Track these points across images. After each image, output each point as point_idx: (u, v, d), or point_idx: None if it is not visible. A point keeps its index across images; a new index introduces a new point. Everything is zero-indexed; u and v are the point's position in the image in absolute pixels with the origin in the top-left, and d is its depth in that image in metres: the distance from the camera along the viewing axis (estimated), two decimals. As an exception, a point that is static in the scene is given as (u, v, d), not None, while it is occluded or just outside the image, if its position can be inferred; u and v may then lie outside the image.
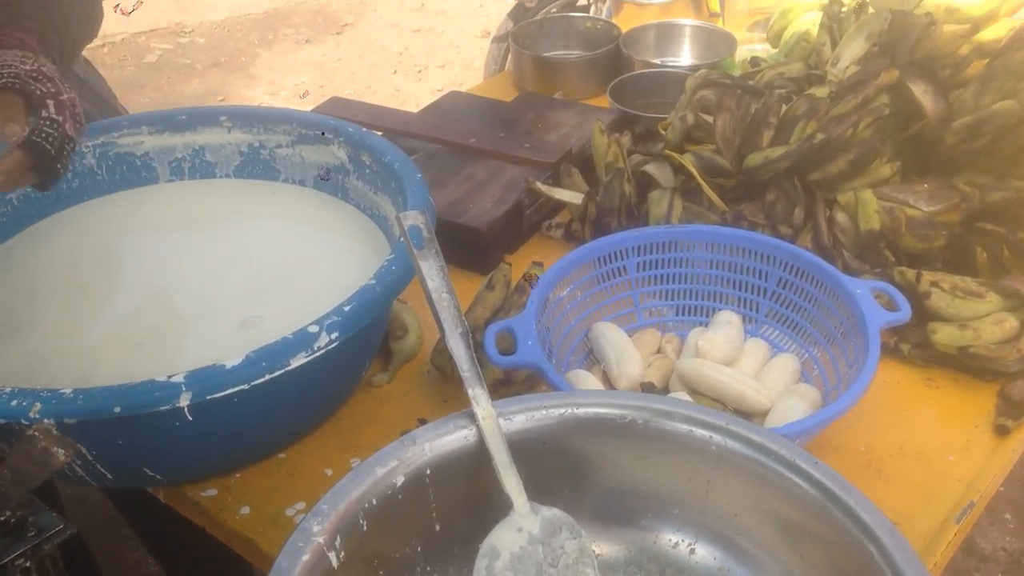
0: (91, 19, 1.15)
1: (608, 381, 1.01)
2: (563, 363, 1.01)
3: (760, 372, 1.00)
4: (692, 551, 0.78)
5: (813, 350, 1.02)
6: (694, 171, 1.16)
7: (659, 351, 1.06)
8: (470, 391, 0.75)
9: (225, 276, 1.11)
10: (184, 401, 0.78)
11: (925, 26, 1.14)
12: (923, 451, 0.97)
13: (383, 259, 1.03)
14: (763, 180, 1.13)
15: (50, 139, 0.94)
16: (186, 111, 1.24)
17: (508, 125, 1.42)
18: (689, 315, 1.10)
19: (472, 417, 0.74)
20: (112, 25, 5.05)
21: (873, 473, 0.95)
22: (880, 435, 0.99)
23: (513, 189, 1.27)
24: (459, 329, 0.78)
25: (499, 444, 0.73)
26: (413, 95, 4.25)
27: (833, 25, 1.29)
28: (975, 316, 1.03)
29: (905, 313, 0.95)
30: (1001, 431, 0.99)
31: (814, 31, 1.37)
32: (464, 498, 0.75)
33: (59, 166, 0.95)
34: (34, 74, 0.95)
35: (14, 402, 0.77)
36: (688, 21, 1.73)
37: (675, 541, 0.79)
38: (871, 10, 1.25)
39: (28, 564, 0.65)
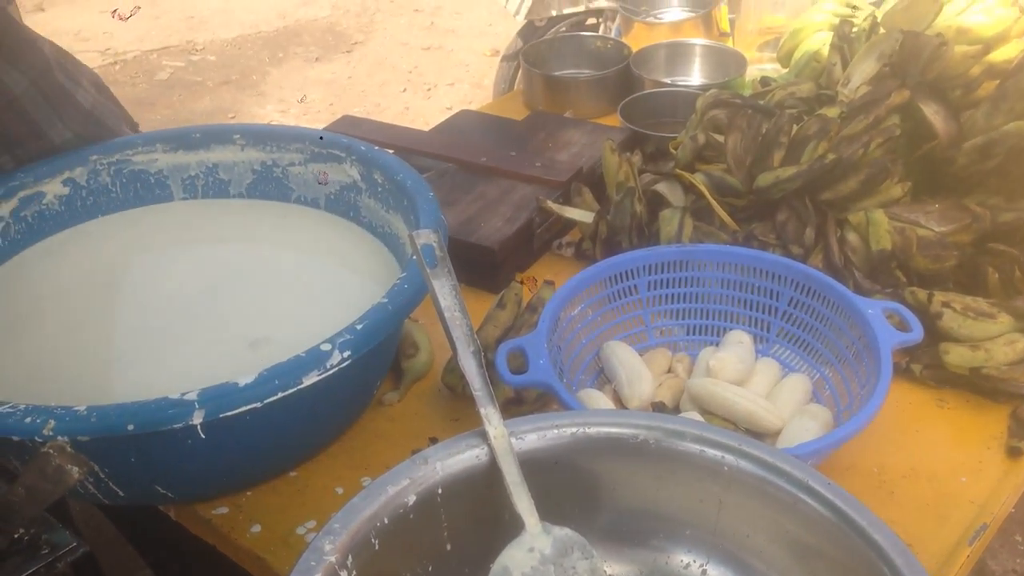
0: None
1: (619, 400, 1.01)
2: (574, 382, 1.01)
3: (771, 392, 1.00)
4: (704, 572, 0.78)
5: (824, 370, 1.02)
6: (705, 190, 1.16)
7: (670, 370, 1.06)
8: (482, 410, 0.75)
9: (236, 294, 1.11)
10: (197, 419, 0.79)
11: (936, 47, 1.15)
12: (935, 472, 0.97)
13: (394, 278, 1.04)
14: (774, 200, 1.14)
15: None
16: (200, 129, 1.25)
17: (519, 144, 1.43)
18: (700, 334, 1.10)
19: (484, 436, 0.74)
20: (124, 43, 5.09)
21: (885, 494, 0.94)
22: (892, 456, 0.98)
23: (524, 208, 1.27)
24: (471, 348, 0.78)
25: (511, 463, 0.73)
26: (422, 113, 4.27)
27: (844, 45, 1.29)
28: (987, 337, 1.03)
29: (917, 333, 0.95)
30: (1013, 453, 0.98)
31: (824, 51, 1.38)
32: (475, 517, 0.75)
33: None
34: None
35: (28, 419, 0.78)
36: (698, 41, 1.74)
37: (687, 562, 0.78)
38: (882, 31, 1.26)
39: (42, 582, 0.65)
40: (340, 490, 0.96)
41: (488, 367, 0.78)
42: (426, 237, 0.82)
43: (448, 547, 0.75)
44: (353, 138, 1.21)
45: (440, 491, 0.73)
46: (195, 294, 1.11)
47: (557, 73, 1.76)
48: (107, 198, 1.22)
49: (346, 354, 0.85)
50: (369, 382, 1.02)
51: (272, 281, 1.13)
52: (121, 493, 0.89)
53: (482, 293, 1.21)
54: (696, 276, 1.09)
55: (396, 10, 5.51)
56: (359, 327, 0.87)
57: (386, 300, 0.91)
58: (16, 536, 0.66)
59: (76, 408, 0.78)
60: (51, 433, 0.77)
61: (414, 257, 0.94)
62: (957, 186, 1.17)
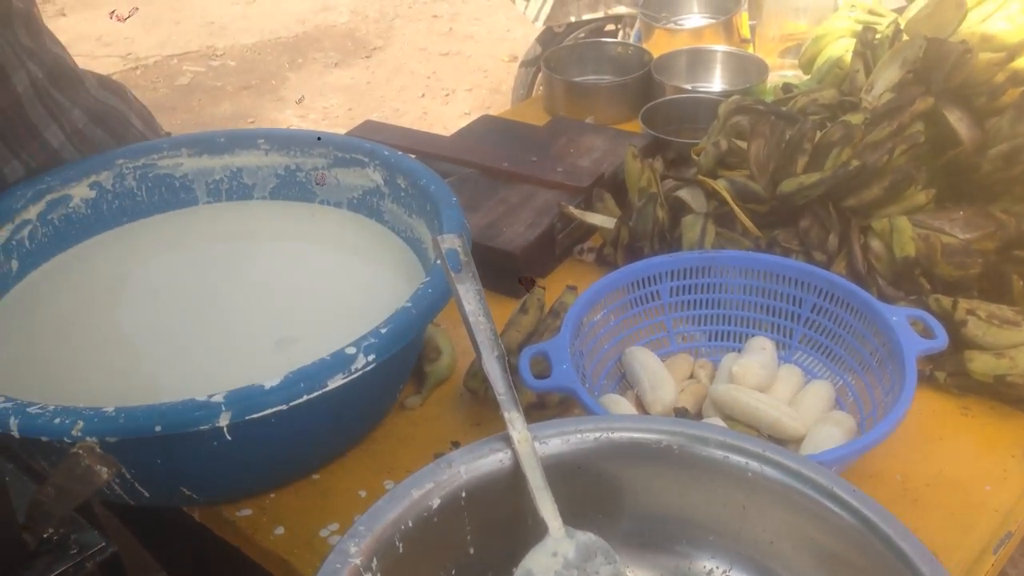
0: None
1: (641, 406, 1.01)
2: (596, 387, 1.01)
3: (794, 399, 1.00)
4: (727, 578, 0.78)
5: (848, 377, 1.02)
6: (728, 197, 1.16)
7: (692, 376, 1.06)
8: (506, 414, 0.75)
9: (260, 298, 1.12)
10: (224, 421, 0.79)
11: (961, 54, 1.14)
12: (959, 480, 0.97)
13: (417, 282, 1.04)
14: (797, 206, 1.13)
15: None
16: (224, 133, 1.26)
17: (540, 149, 1.43)
18: (722, 340, 1.10)
19: (507, 440, 0.75)
20: (145, 48, 5.13)
21: (909, 502, 0.94)
22: (916, 464, 0.98)
23: (546, 213, 1.27)
24: (495, 352, 0.78)
25: (534, 468, 0.73)
26: (441, 118, 4.29)
27: (867, 52, 1.29)
28: (1012, 344, 1.02)
29: (942, 341, 0.94)
30: (1039, 461, 0.98)
31: (847, 58, 1.37)
32: (499, 521, 0.75)
33: None
34: None
35: (57, 420, 0.78)
36: (719, 47, 1.74)
37: (710, 568, 0.78)
38: (905, 37, 1.26)
39: (71, 581, 0.66)
40: (363, 493, 0.96)
41: (511, 371, 0.79)
42: (450, 242, 0.82)
43: (471, 551, 0.76)
44: (376, 143, 1.22)
45: (464, 495, 0.73)
46: (220, 296, 1.12)
47: (578, 79, 1.76)
48: (132, 202, 1.23)
49: (371, 357, 0.85)
50: (392, 385, 1.02)
51: (298, 282, 1.14)
52: (146, 494, 0.89)
53: (503, 298, 1.21)
54: (718, 282, 1.09)
55: (415, 16, 5.53)
56: (384, 331, 0.87)
57: (410, 304, 0.91)
58: (46, 536, 0.67)
59: (104, 409, 0.79)
60: (80, 434, 0.78)
61: (438, 261, 0.94)
62: (982, 193, 1.16)
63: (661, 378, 1.01)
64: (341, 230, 1.22)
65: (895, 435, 0.87)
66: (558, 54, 1.81)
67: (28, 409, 0.80)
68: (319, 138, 1.23)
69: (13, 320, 1.08)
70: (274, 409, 0.81)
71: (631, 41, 2.30)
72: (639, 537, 0.79)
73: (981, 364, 1.02)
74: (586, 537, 0.73)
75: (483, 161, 1.39)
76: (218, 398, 0.80)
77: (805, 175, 1.12)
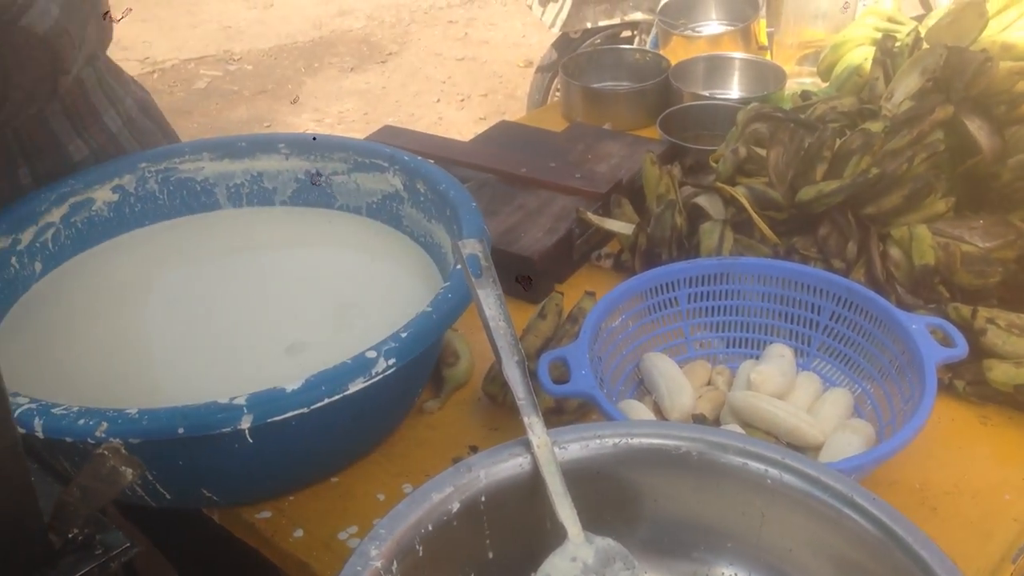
0: (46, 67, 1.03)
1: (659, 412, 1.01)
2: (614, 393, 1.02)
3: (813, 406, 1.00)
4: (745, 585, 0.78)
5: (866, 385, 1.02)
6: (746, 204, 1.16)
7: (710, 383, 1.06)
8: (526, 419, 0.75)
9: (277, 303, 1.13)
10: (246, 423, 0.80)
11: (981, 62, 1.14)
12: (978, 489, 0.96)
13: (435, 287, 1.05)
14: (816, 214, 1.13)
15: None
16: (245, 138, 1.27)
17: (558, 155, 1.44)
18: (740, 347, 1.10)
19: (527, 445, 0.75)
20: (162, 52, 5.17)
21: (928, 511, 0.94)
22: (935, 472, 0.98)
23: (564, 219, 1.28)
24: (515, 357, 0.78)
25: (554, 473, 0.74)
26: (455, 123, 4.30)
27: (887, 60, 1.29)
28: (1032, 354, 1.02)
29: (962, 349, 0.94)
30: (1058, 471, 0.97)
31: (866, 66, 1.37)
32: (518, 526, 0.76)
33: None
34: None
35: (81, 421, 0.79)
36: (737, 55, 1.74)
37: (728, 575, 0.78)
38: (926, 46, 1.26)
39: (95, 581, 0.66)
40: (381, 496, 0.97)
41: (530, 377, 0.79)
42: (471, 247, 0.83)
43: (490, 555, 0.76)
44: (395, 147, 1.22)
45: (484, 499, 0.74)
46: (238, 300, 1.13)
47: (596, 85, 1.77)
48: (154, 205, 1.24)
49: (391, 361, 0.86)
50: (411, 390, 1.03)
51: (315, 287, 1.14)
52: (168, 496, 0.90)
53: (521, 303, 1.21)
54: (736, 289, 1.09)
55: (430, 21, 5.56)
56: (404, 335, 0.88)
57: (430, 309, 0.91)
58: (71, 536, 0.67)
59: (128, 411, 0.80)
60: (103, 435, 0.78)
61: (458, 266, 0.95)
62: (1001, 202, 1.16)
63: (679, 384, 1.01)
64: (360, 235, 1.23)
65: (914, 443, 0.87)
66: (576, 60, 1.82)
67: (52, 410, 0.80)
68: (314, 138, 1.24)
69: (32, 319, 1.09)
70: (295, 412, 0.81)
71: (647, 47, 2.31)
72: (657, 543, 0.79)
73: (1000, 373, 1.02)
74: (605, 543, 0.73)
75: (501, 167, 1.39)
76: (240, 400, 0.80)
77: (824, 183, 1.12)
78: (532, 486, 0.74)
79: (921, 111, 1.15)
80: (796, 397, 1.00)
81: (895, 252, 1.11)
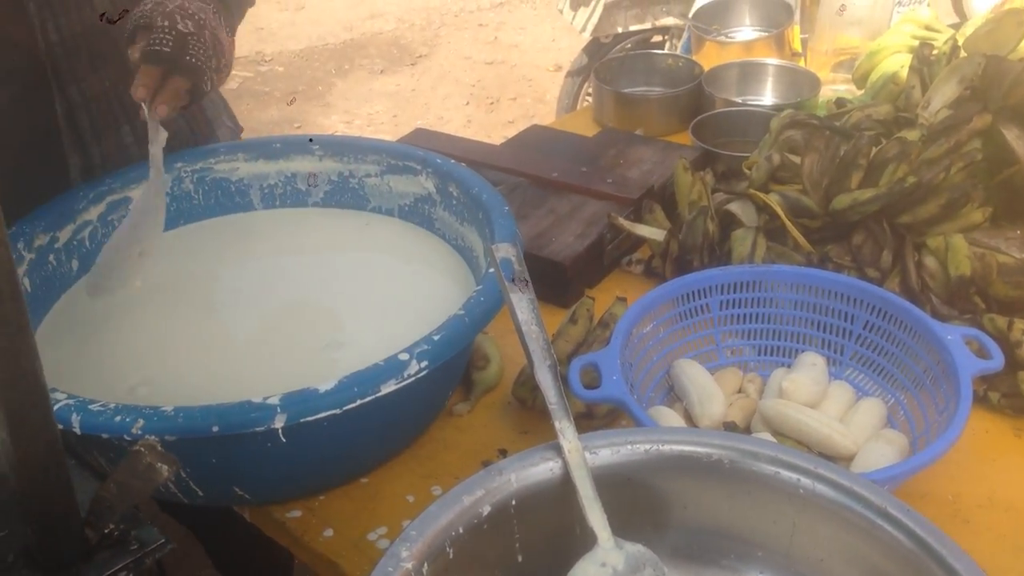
0: None
1: (690, 419, 1.00)
2: (644, 399, 1.01)
3: (845, 416, 0.99)
4: (776, 595, 0.77)
5: (899, 395, 1.01)
6: (780, 211, 1.15)
7: (741, 390, 1.05)
8: (557, 424, 0.75)
9: (309, 303, 1.13)
10: (279, 423, 0.80)
11: (1020, 72, 1.13)
12: (1012, 502, 0.95)
13: (466, 290, 1.05)
14: (850, 222, 1.13)
15: (164, 42, 1.00)
16: (280, 139, 1.28)
17: (590, 160, 1.44)
18: (771, 355, 1.10)
19: (558, 450, 0.75)
20: (196, 52, 5.20)
21: (961, 523, 0.93)
22: (968, 485, 0.97)
23: (595, 224, 1.28)
24: (548, 362, 0.78)
25: (584, 478, 0.74)
26: (484, 126, 4.30)
27: (923, 68, 1.28)
28: (1069, 367, 1.01)
29: (998, 361, 0.93)
30: (1094, 486, 0.96)
31: (903, 73, 1.36)
32: (547, 530, 0.76)
33: (189, 58, 1.01)
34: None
35: (118, 418, 0.80)
36: (771, 61, 1.73)
37: (758, 583, 0.78)
38: (963, 54, 1.24)
39: (130, 576, 0.67)
40: (411, 498, 0.97)
41: (560, 381, 0.79)
42: (505, 251, 0.83)
43: (520, 558, 0.76)
44: (428, 151, 1.23)
45: (514, 503, 0.74)
46: (271, 300, 1.14)
47: (628, 90, 1.77)
48: (189, 205, 1.25)
49: (423, 364, 0.86)
50: (442, 392, 1.03)
51: (346, 289, 1.15)
52: (200, 493, 0.91)
53: (551, 307, 1.21)
54: (768, 297, 1.08)
55: (460, 24, 5.56)
56: (436, 338, 0.88)
57: (463, 312, 0.92)
58: (106, 532, 0.68)
59: (163, 408, 0.81)
60: (139, 432, 0.79)
61: (491, 270, 0.95)
62: (1039, 213, 1.15)
63: (710, 392, 1.00)
64: (392, 237, 1.23)
65: (947, 455, 0.87)
66: (608, 65, 1.82)
67: (90, 406, 0.81)
68: (311, 140, 1.26)
69: (69, 318, 1.10)
70: (328, 412, 0.82)
71: (679, 52, 2.30)
72: (687, 550, 0.79)
73: (1036, 386, 1.00)
74: (635, 548, 0.73)
75: (532, 171, 1.39)
76: (274, 400, 0.81)
77: (859, 191, 1.11)
78: (562, 491, 0.74)
79: (958, 120, 1.14)
80: (828, 406, 1.00)
81: (930, 262, 1.10)
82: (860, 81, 1.52)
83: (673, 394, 1.05)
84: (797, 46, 1.84)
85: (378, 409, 0.86)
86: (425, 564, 0.68)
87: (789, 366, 1.06)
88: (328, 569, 0.92)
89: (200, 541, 1.66)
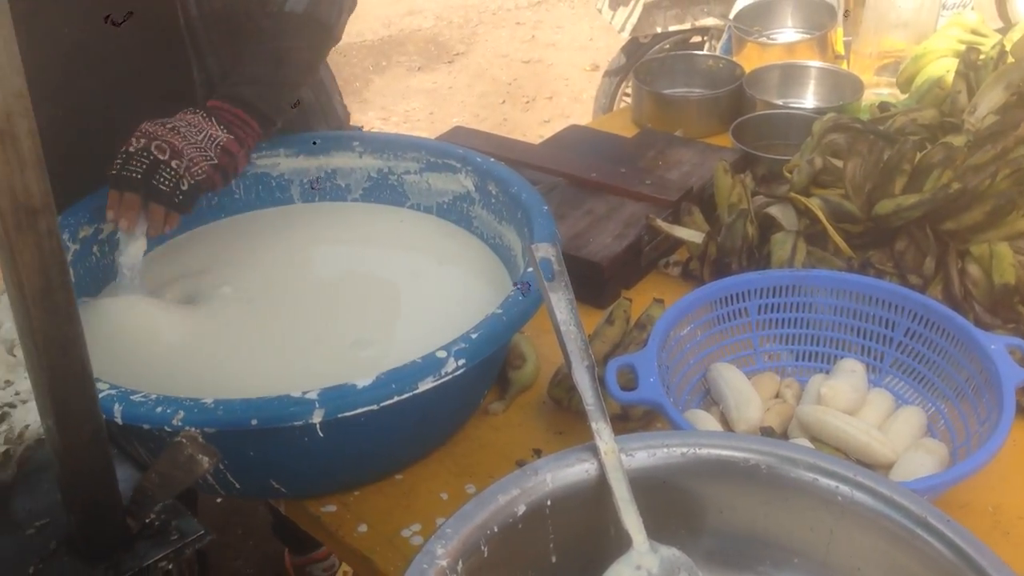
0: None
1: (726, 423, 1.00)
2: (680, 402, 1.01)
3: (884, 423, 0.98)
4: (812, 602, 0.76)
5: (940, 404, 1.00)
6: (821, 215, 1.14)
7: (778, 396, 1.05)
8: (593, 425, 0.75)
9: (345, 299, 1.14)
10: (317, 417, 0.81)
11: (1070, 78, 1.12)
12: (1054, 516, 0.94)
13: (503, 288, 1.05)
14: (893, 228, 1.11)
15: (134, 169, 1.05)
16: (320, 135, 1.28)
17: (629, 161, 1.43)
18: (809, 361, 1.09)
19: (594, 451, 0.75)
20: (235, 48, 5.24)
21: (1000, 535, 0.92)
22: (1008, 496, 0.95)
23: (633, 225, 1.27)
24: (586, 363, 0.78)
25: (620, 479, 0.73)
26: (520, 125, 4.30)
27: (970, 73, 1.26)
28: (1114, 379, 0.99)
29: (1043, 372, 0.92)
30: None
31: (948, 78, 1.35)
32: (582, 531, 0.76)
33: (179, 199, 1.07)
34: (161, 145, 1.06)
35: (158, 409, 0.81)
36: (813, 63, 1.72)
37: (794, 591, 0.77)
38: (1011, 59, 1.23)
39: (170, 567, 0.68)
40: (445, 495, 0.97)
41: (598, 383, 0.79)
42: (544, 251, 0.83)
43: (553, 559, 0.76)
44: (468, 149, 1.23)
45: (549, 503, 0.74)
46: (306, 293, 1.14)
47: (668, 91, 1.76)
48: (230, 198, 1.26)
49: (461, 362, 0.86)
50: (478, 391, 1.03)
51: (384, 287, 1.15)
52: (238, 485, 0.92)
53: (587, 308, 1.21)
54: (808, 302, 1.07)
55: (498, 22, 5.56)
56: (474, 336, 0.88)
57: (501, 311, 0.92)
58: (147, 521, 0.69)
59: (204, 401, 0.81)
60: (179, 423, 0.80)
61: (530, 269, 0.95)
62: (1086, 221, 1.13)
63: (747, 396, 1.00)
64: (429, 235, 1.23)
65: (987, 466, 0.85)
66: (648, 66, 1.81)
67: (132, 397, 0.82)
68: (315, 142, 1.26)
69: (110, 310, 1.11)
70: (365, 408, 0.83)
71: (718, 53, 2.28)
72: (721, 555, 0.79)
73: (1081, 398, 0.99)
74: (670, 552, 0.73)
75: (571, 171, 1.39)
76: (312, 395, 0.82)
77: (903, 196, 1.10)
78: (598, 492, 0.74)
79: (1005, 126, 1.12)
80: (867, 414, 0.99)
81: (974, 269, 1.08)
82: (904, 85, 1.50)
83: (709, 398, 1.05)
84: (840, 48, 1.82)
85: (415, 406, 0.86)
86: (460, 562, 0.68)
87: (828, 372, 1.06)
88: (362, 564, 0.92)
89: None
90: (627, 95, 3.12)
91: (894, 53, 1.64)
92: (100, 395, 0.82)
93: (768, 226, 1.22)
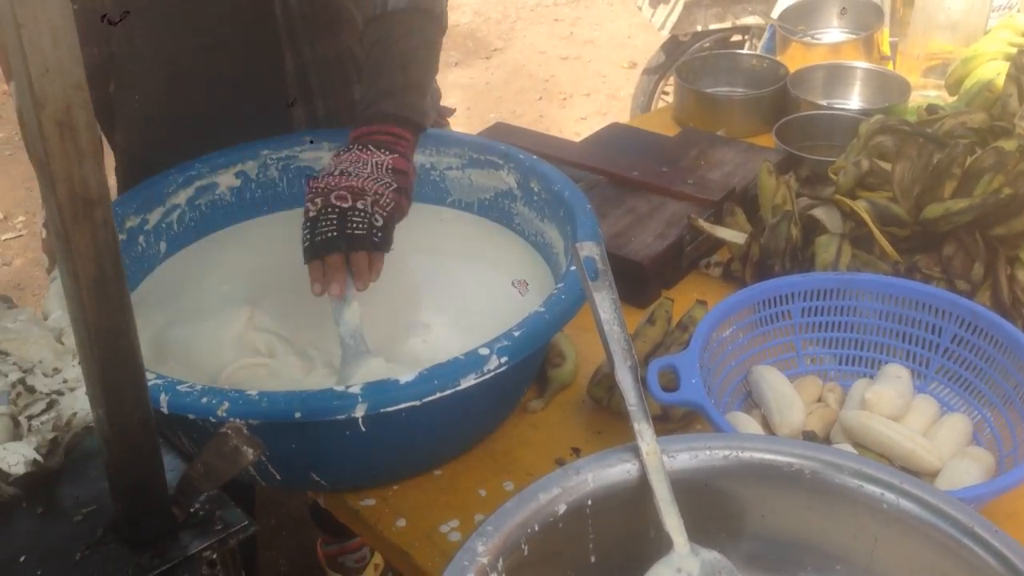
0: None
1: (767, 426, 0.99)
2: (721, 404, 1.00)
3: (929, 430, 0.97)
4: (854, 610, 0.76)
5: (986, 412, 0.98)
6: (867, 218, 1.13)
7: (820, 400, 1.04)
8: (636, 425, 0.75)
9: (385, 297, 1.13)
10: (359, 412, 0.81)
11: (1126, 82, 1.09)
12: (1102, 528, 0.92)
13: (544, 286, 1.05)
14: (941, 232, 1.10)
15: (357, 226, 1.00)
16: (364, 129, 1.28)
17: (670, 160, 1.42)
18: (853, 365, 1.08)
19: (636, 452, 0.74)
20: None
21: (1047, 547, 0.90)
22: (1056, 507, 0.94)
23: (674, 224, 1.26)
24: (628, 362, 0.78)
25: (662, 481, 0.73)
26: (556, 122, 4.29)
27: (1021, 77, 1.24)
28: None
29: (1093, 382, 0.90)
30: None
31: (999, 81, 1.33)
32: (622, 532, 0.75)
33: (378, 237, 1.01)
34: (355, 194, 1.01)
35: (204, 399, 0.82)
36: (859, 64, 1.70)
37: (836, 598, 0.76)
38: (1065, 62, 1.21)
39: (214, 556, 0.68)
40: (483, 492, 0.97)
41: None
42: (589, 249, 0.82)
43: (593, 559, 0.76)
44: (511, 145, 1.23)
45: (590, 503, 0.73)
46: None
47: (710, 90, 1.74)
48: (274, 192, 1.27)
49: (503, 360, 0.86)
50: (518, 388, 1.03)
51: (423, 284, 1.16)
52: (279, 476, 0.92)
53: (627, 307, 1.20)
54: (852, 305, 1.06)
55: (536, 19, 5.55)
56: (517, 334, 0.88)
57: (543, 309, 0.92)
58: (192, 511, 0.70)
59: (248, 392, 0.82)
60: (224, 414, 0.81)
61: (573, 268, 0.95)
62: None
63: (789, 400, 0.99)
64: (470, 232, 1.23)
65: (1036, 476, 0.84)
66: (690, 64, 1.80)
67: (178, 387, 0.83)
68: (311, 141, 1.26)
69: (157, 299, 1.13)
70: (407, 404, 0.83)
71: (759, 52, 2.26)
72: (763, 560, 0.78)
73: None
74: (711, 556, 0.72)
75: (612, 169, 1.39)
76: (355, 389, 0.82)
77: (952, 200, 1.08)
78: (639, 493, 0.74)
79: (1058, 131, 1.10)
80: (911, 420, 0.97)
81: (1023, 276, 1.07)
82: (953, 87, 1.48)
83: (750, 400, 1.04)
84: (886, 49, 1.80)
85: (456, 402, 0.86)
86: (500, 559, 0.68)
87: (871, 377, 1.04)
88: (400, 559, 0.92)
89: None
90: (665, 93, 3.10)
91: (942, 55, 1.61)
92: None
93: (811, 228, 1.20)
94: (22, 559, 0.67)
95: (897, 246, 1.12)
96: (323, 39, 1.26)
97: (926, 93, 1.60)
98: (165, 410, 0.82)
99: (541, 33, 5.35)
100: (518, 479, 0.98)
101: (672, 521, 0.72)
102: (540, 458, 1.01)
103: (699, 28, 3.04)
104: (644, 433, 0.75)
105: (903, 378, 1.01)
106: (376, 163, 1.04)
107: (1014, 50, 1.32)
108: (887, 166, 1.17)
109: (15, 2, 0.49)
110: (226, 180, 1.22)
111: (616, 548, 0.76)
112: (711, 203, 1.30)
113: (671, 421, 1.02)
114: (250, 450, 0.70)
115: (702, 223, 1.26)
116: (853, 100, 1.69)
